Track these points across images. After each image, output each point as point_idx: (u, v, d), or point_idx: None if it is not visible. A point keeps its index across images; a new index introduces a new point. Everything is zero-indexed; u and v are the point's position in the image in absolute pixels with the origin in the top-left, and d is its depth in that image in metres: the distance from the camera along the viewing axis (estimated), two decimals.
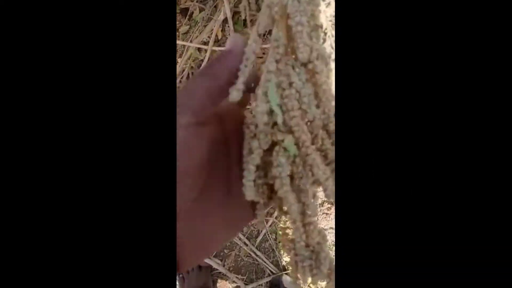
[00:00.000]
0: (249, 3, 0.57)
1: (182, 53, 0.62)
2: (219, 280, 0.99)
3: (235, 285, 0.97)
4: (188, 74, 0.71)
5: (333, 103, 0.20)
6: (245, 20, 0.59)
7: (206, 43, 0.60)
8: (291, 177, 0.19)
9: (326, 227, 0.99)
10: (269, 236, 1.00)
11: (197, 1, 0.61)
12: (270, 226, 0.98)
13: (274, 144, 0.20)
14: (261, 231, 0.99)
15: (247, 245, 0.98)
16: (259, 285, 0.97)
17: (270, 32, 0.20)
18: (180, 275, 0.96)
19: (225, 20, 0.56)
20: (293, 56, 0.20)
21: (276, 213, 0.97)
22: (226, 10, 0.57)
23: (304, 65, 0.19)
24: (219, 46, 0.60)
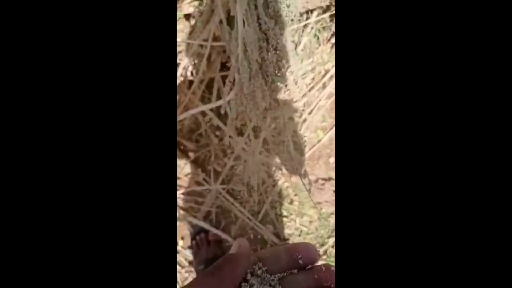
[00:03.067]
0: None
1: (187, 49, 0.74)
2: None
3: None
4: (191, 72, 0.82)
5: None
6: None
7: (206, 40, 0.71)
8: None
9: (321, 200, 1.11)
10: (270, 212, 1.12)
11: (197, 7, 0.72)
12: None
13: None
14: (263, 207, 1.11)
15: (250, 220, 1.10)
16: None
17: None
18: (192, 250, 1.08)
19: (220, 21, 0.67)
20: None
21: (277, 189, 1.09)
22: (220, 13, 0.68)
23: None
24: (217, 42, 0.72)
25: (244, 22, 0.45)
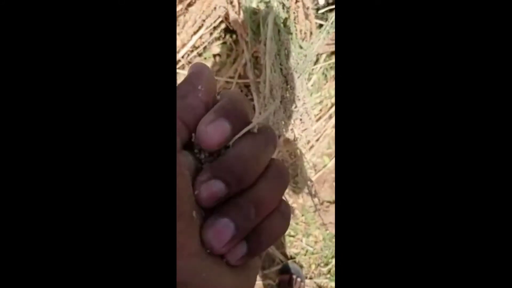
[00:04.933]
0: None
1: None
2: None
3: None
4: None
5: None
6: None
7: (232, 77, 0.84)
8: None
9: (326, 222, 1.18)
10: None
11: (225, 49, 0.85)
12: None
13: None
14: None
15: None
16: (271, 271, 1.16)
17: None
18: None
19: (244, 64, 0.80)
20: None
21: None
22: (246, 56, 0.81)
23: None
24: (242, 79, 0.84)
25: (271, 69, 0.57)
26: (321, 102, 1.04)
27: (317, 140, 1.17)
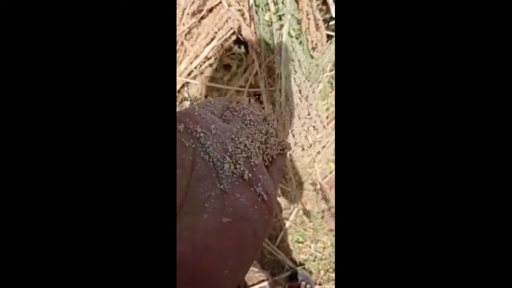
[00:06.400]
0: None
1: (226, 94, 0.88)
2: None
3: (261, 278, 1.17)
4: None
5: None
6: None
7: (243, 87, 0.86)
8: None
9: (333, 228, 1.20)
10: (286, 238, 1.21)
11: (235, 59, 0.88)
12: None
13: None
14: (280, 233, 1.20)
15: (269, 245, 1.19)
16: (281, 278, 1.16)
17: None
18: None
19: (255, 73, 0.82)
20: None
21: (292, 217, 1.19)
22: (256, 66, 0.83)
23: None
24: (253, 88, 0.86)
25: (286, 78, 0.59)
26: (327, 109, 1.06)
27: (323, 146, 1.19)
